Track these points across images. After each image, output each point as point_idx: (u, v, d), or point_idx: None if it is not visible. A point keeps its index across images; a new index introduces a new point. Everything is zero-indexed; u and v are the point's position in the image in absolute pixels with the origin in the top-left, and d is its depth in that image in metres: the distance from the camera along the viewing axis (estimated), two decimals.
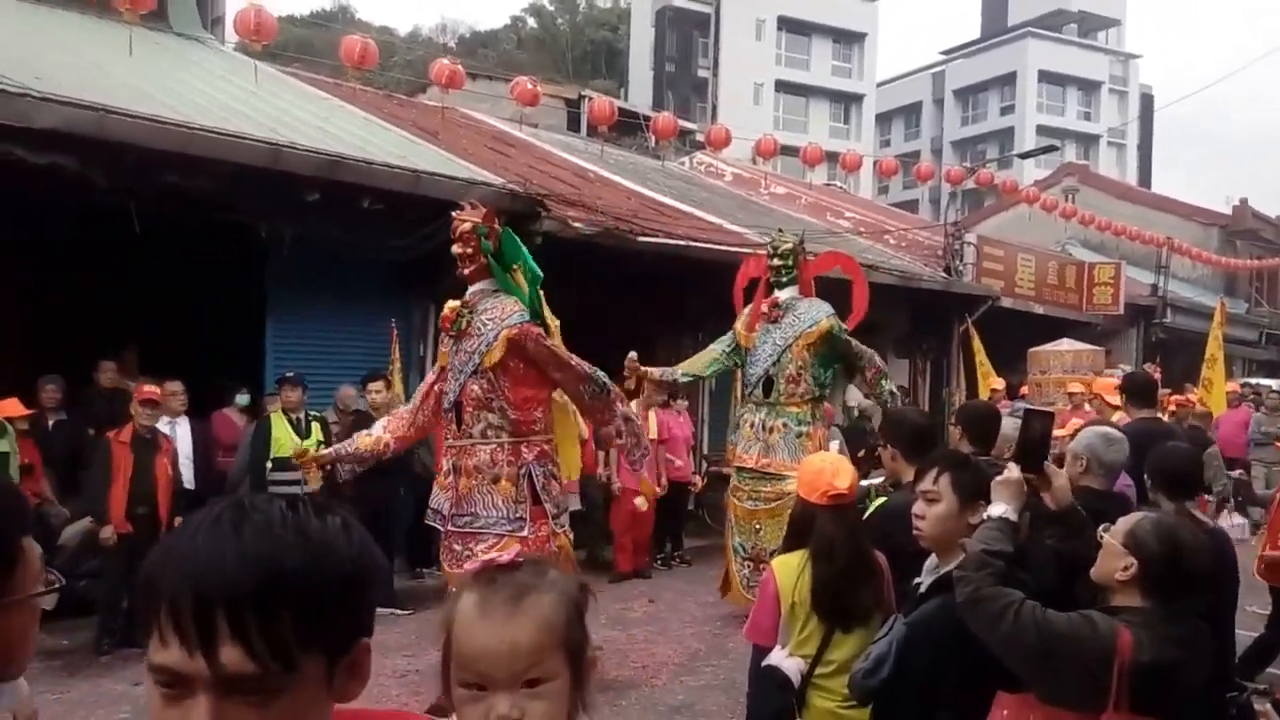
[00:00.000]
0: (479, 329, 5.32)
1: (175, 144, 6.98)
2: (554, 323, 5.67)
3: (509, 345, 5.23)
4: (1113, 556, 2.48)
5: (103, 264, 9.27)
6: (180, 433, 7.61)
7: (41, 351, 8.40)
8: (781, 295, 7.70)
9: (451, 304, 5.43)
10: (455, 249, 5.33)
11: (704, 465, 11.70)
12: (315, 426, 7.77)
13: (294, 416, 7.70)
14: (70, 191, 6.95)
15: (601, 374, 5.50)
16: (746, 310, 7.99)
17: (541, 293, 5.62)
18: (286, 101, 10.12)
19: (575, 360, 5.41)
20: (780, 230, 8.51)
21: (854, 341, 7.64)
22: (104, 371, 8.31)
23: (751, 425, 7.72)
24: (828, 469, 3.34)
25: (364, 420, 8.13)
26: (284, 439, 7.57)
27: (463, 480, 5.39)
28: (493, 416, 5.37)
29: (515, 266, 5.53)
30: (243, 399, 8.62)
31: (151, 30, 10.71)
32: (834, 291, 8.10)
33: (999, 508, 2.61)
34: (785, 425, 7.57)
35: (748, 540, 7.58)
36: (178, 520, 6.85)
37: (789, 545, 3.41)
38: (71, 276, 9.59)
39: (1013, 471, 2.66)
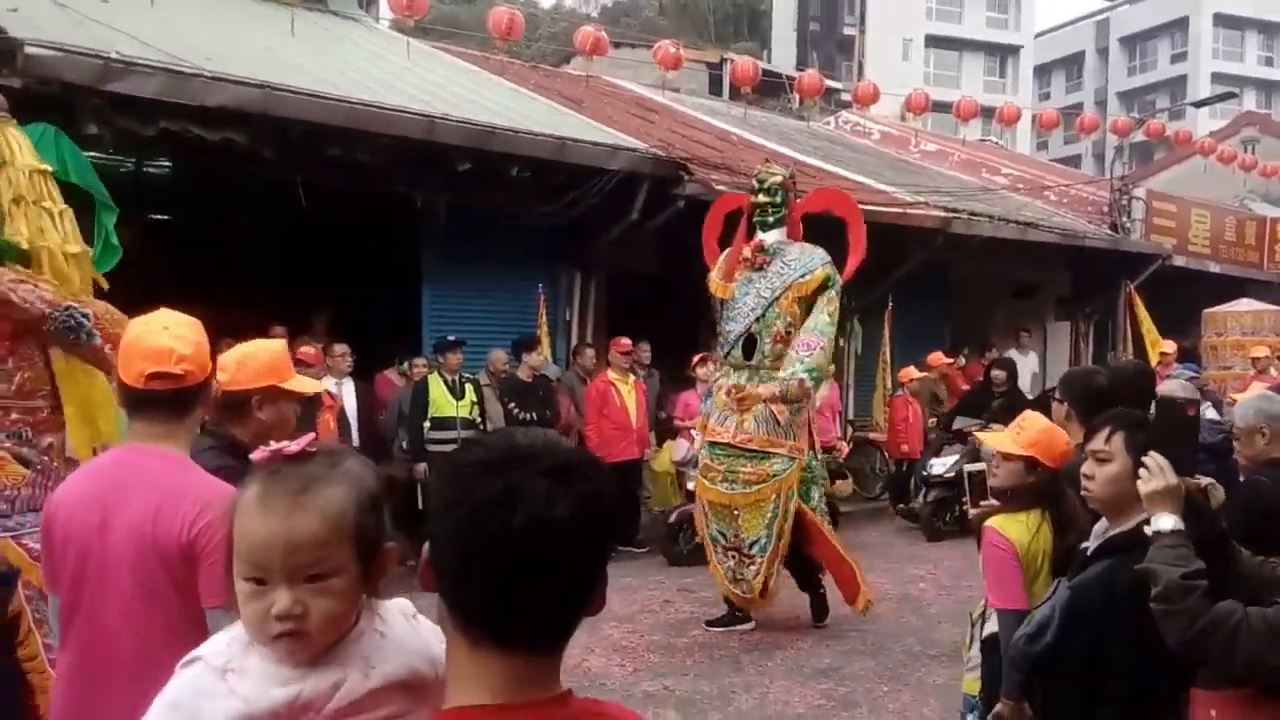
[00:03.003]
0: None
1: (337, 118, 7.28)
2: (73, 250, 3.79)
3: None
4: None
5: (271, 232, 9.79)
6: (346, 393, 7.99)
7: (217, 315, 8.92)
8: (767, 238, 6.57)
9: None
10: None
11: (849, 431, 11.51)
12: (469, 388, 8.04)
13: (450, 378, 7.97)
14: (243, 166, 7.35)
15: None
16: (723, 257, 6.86)
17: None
18: (439, 75, 10.40)
19: None
20: (768, 161, 7.40)
21: (833, 300, 6.49)
22: (274, 336, 8.77)
23: (728, 392, 6.55)
24: (1063, 431, 3.23)
25: (514, 383, 8.39)
26: (441, 400, 7.88)
27: None
28: None
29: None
30: (406, 364, 8.99)
31: (311, 11, 11.17)
32: (828, 234, 6.99)
33: (1167, 520, 2.40)
34: (758, 387, 6.48)
35: (727, 528, 6.51)
36: None
37: (1011, 505, 3.23)
38: (243, 244, 10.17)
39: (1159, 479, 2.42)
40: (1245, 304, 13.31)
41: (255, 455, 1.27)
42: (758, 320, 6.47)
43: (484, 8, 18.44)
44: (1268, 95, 47.22)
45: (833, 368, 6.96)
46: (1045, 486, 3.17)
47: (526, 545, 1.01)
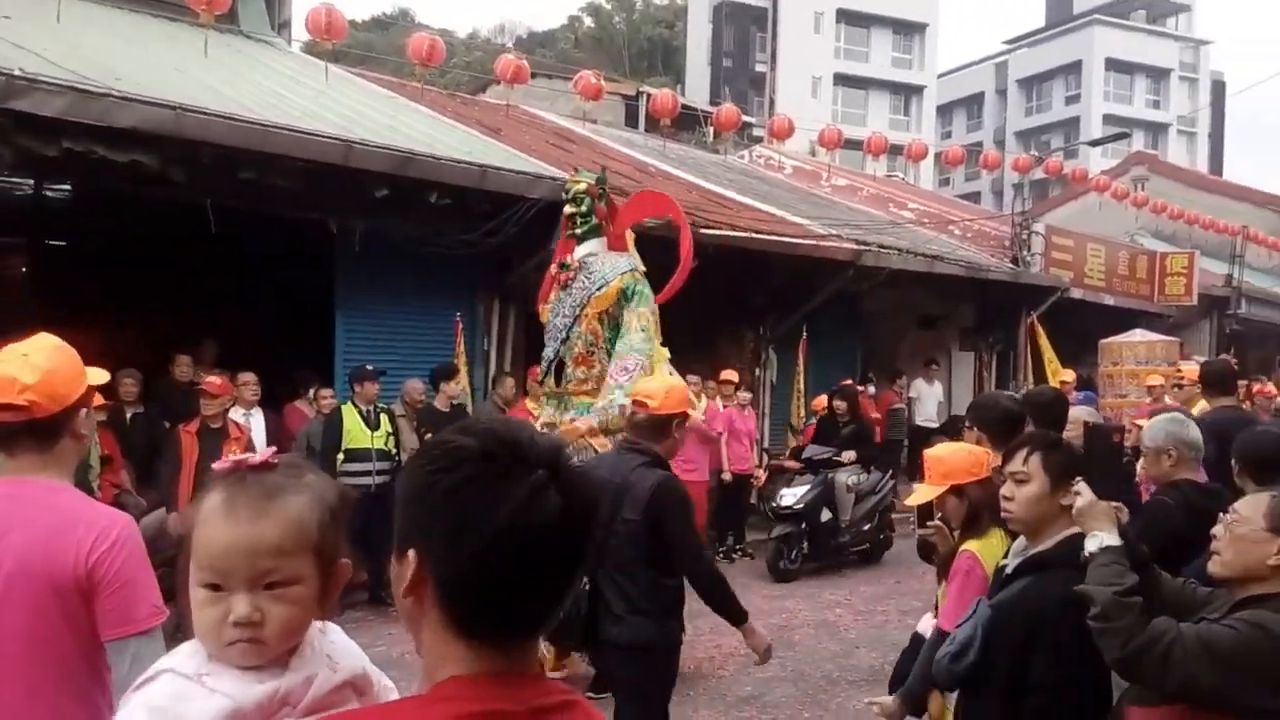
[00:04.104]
0: None
1: (250, 141, 7.12)
2: None
3: None
4: (1257, 544, 2.35)
5: (177, 259, 9.52)
6: (255, 423, 7.76)
7: (118, 345, 8.62)
8: (578, 252, 6.02)
9: None
10: None
11: (765, 459, 11.65)
12: (384, 419, 7.89)
13: (365, 409, 7.82)
14: (150, 189, 7.14)
15: None
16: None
17: None
18: (356, 100, 10.28)
19: None
20: (576, 170, 6.80)
21: (643, 314, 5.81)
22: (179, 365, 8.51)
23: (541, 425, 5.91)
24: (967, 446, 3.33)
25: (431, 413, 8.27)
26: (356, 431, 7.71)
27: None
28: None
29: None
30: (313, 391, 8.78)
31: (223, 33, 10.94)
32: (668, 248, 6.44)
33: (1098, 538, 2.48)
34: (574, 423, 5.83)
35: None
36: None
37: (970, 532, 3.30)
38: (147, 271, 9.86)
39: (1087, 494, 2.56)
40: (1139, 335, 13.93)
41: (217, 466, 1.27)
42: (562, 342, 5.98)
43: (398, 35, 18.36)
44: (1154, 136, 49.81)
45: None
46: (988, 500, 3.16)
47: (544, 545, 1.05)
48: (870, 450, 10.28)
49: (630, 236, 6.32)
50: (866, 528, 9.72)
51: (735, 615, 3.72)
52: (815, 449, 9.82)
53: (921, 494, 3.47)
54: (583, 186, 6.09)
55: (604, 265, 5.93)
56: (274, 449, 1.31)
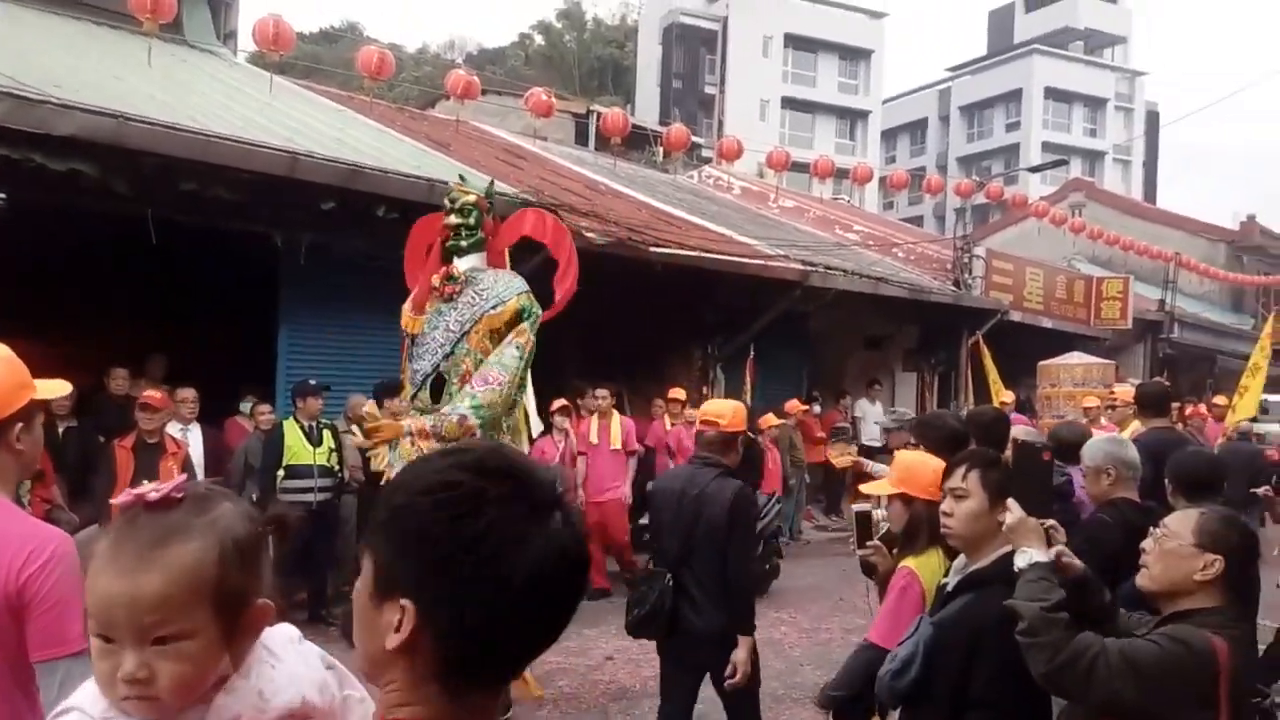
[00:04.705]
0: None
1: (193, 151, 7.01)
2: None
3: None
4: (1185, 559, 2.40)
5: (116, 271, 9.32)
6: (193, 439, 7.62)
7: (53, 357, 8.40)
8: (460, 265, 5.69)
9: None
10: None
11: None
12: (326, 434, 7.78)
13: (307, 425, 7.70)
14: (89, 199, 6.99)
15: None
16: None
17: None
18: (302, 112, 10.17)
19: None
20: (461, 178, 6.59)
21: (524, 332, 5.55)
22: (114, 378, 8.31)
23: (413, 441, 5.37)
24: (935, 464, 3.32)
25: None
26: (297, 447, 7.58)
27: None
28: None
29: None
30: (249, 405, 8.63)
31: (167, 42, 10.78)
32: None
33: (1027, 555, 2.52)
34: (422, 420, 5.49)
35: None
36: None
37: (908, 549, 3.33)
38: (85, 283, 9.63)
39: (1016, 512, 2.60)
40: (1076, 357, 14.25)
41: (116, 500, 1.19)
42: (446, 358, 5.60)
43: (346, 48, 18.22)
44: (1091, 164, 51.13)
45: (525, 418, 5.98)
46: (930, 517, 3.17)
47: (561, 589, 1.03)
48: (756, 478, 9.35)
49: (505, 255, 6.06)
50: None
51: (747, 626, 4.14)
52: None
53: (874, 487, 3.61)
54: (472, 198, 5.76)
55: (497, 283, 5.65)
56: (184, 477, 1.21)
